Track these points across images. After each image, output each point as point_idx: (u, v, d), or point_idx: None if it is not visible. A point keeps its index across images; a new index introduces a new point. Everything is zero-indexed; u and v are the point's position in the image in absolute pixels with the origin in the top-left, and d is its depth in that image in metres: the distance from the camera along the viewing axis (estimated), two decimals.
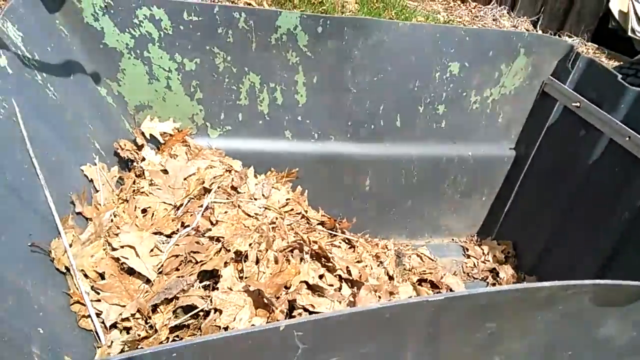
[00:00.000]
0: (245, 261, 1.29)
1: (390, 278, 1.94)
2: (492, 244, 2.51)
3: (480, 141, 2.26)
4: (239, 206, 1.44)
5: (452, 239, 2.57)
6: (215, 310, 1.22)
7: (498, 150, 2.32)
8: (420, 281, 2.08)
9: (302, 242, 1.40)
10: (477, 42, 1.95)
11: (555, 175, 2.19)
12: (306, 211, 2.03)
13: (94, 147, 1.53)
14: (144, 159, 1.55)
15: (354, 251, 1.92)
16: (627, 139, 1.85)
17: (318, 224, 1.97)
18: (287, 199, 1.89)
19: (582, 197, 2.09)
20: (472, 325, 1.01)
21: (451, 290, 2.08)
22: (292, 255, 1.37)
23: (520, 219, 2.42)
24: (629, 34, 5.44)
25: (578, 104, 2.03)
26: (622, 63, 2.80)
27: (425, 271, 2.14)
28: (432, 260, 2.39)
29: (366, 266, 1.90)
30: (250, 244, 1.30)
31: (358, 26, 1.73)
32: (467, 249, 2.50)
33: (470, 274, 2.39)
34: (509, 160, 2.36)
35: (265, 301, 1.19)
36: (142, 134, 1.65)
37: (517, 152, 2.34)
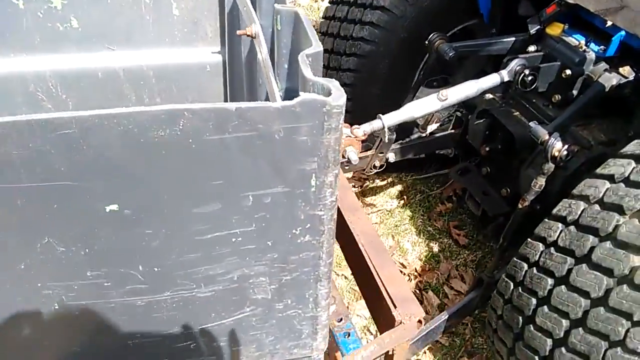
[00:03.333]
0: None
1: None
2: None
3: (157, 45, 1.63)
4: None
5: None
6: None
7: (192, 56, 1.68)
8: None
9: None
10: None
11: (242, 84, 1.56)
12: None
13: None
14: None
15: None
16: None
17: None
18: None
19: None
20: None
21: None
22: None
23: None
24: None
25: None
26: None
27: None
28: None
29: None
30: None
31: None
32: None
33: None
34: (216, 70, 1.72)
35: None
36: None
37: (224, 57, 1.70)
